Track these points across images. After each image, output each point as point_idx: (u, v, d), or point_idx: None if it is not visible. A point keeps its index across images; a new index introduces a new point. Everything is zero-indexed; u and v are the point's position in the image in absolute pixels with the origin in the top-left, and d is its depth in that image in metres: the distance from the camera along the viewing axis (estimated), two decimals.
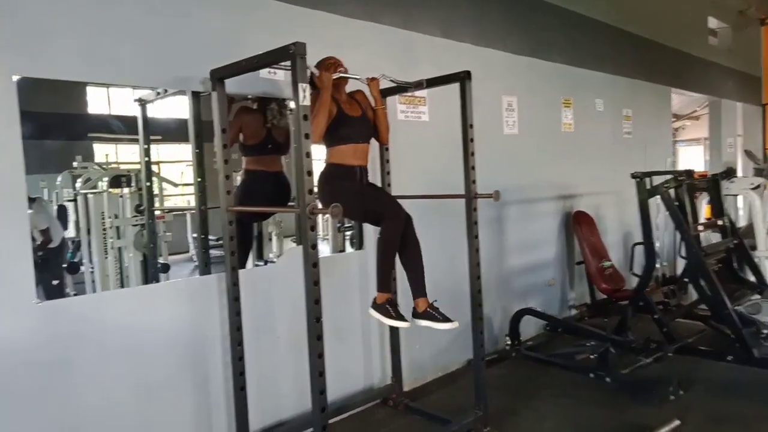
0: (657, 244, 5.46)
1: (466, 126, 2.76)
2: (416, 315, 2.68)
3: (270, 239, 4.66)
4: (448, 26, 3.81)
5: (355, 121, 2.73)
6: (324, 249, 4.91)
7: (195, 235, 6.32)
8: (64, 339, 2.20)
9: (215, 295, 2.63)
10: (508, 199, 4.18)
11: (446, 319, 2.68)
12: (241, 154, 3.21)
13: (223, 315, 2.61)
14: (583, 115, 5.09)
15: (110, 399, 2.32)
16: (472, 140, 2.77)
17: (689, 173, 3.99)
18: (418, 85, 2.93)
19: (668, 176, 3.94)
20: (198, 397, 2.60)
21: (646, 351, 3.46)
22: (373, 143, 2.92)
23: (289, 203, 3.23)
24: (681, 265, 5.14)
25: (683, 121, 13.33)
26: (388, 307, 2.67)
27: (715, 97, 7.84)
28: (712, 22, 7.58)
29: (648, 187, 4.00)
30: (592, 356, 3.57)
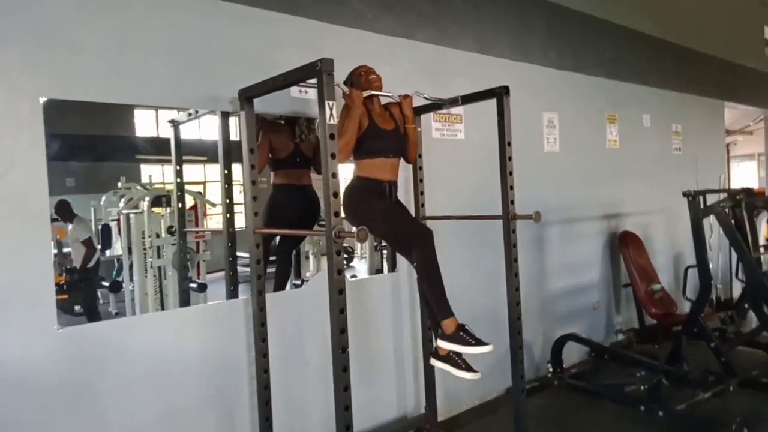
0: (711, 266, 5.14)
1: (504, 144, 2.62)
2: (444, 337, 2.49)
3: (307, 257, 4.60)
4: (484, 41, 3.69)
5: (388, 134, 2.62)
6: (361, 268, 4.81)
7: (237, 253, 6.35)
8: (87, 365, 2.15)
9: (242, 319, 2.55)
10: (549, 219, 3.99)
11: (479, 342, 2.48)
12: (270, 169, 3.16)
13: (249, 340, 2.52)
14: (629, 131, 4.86)
15: (134, 427, 2.26)
16: (510, 158, 2.63)
17: (747, 191, 3.72)
18: (453, 101, 2.82)
19: (723, 194, 3.69)
20: (223, 426, 2.51)
21: (704, 384, 3.18)
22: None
23: (319, 220, 3.16)
24: (737, 288, 4.82)
25: (735, 136, 12.74)
26: (462, 334, 2.47)
27: None
28: None
29: (702, 206, 3.74)
30: (642, 388, 3.32)
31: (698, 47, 5.72)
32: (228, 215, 2.65)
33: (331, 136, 1.95)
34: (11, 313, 2.00)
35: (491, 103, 2.68)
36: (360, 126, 2.49)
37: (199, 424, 2.45)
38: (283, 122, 3.07)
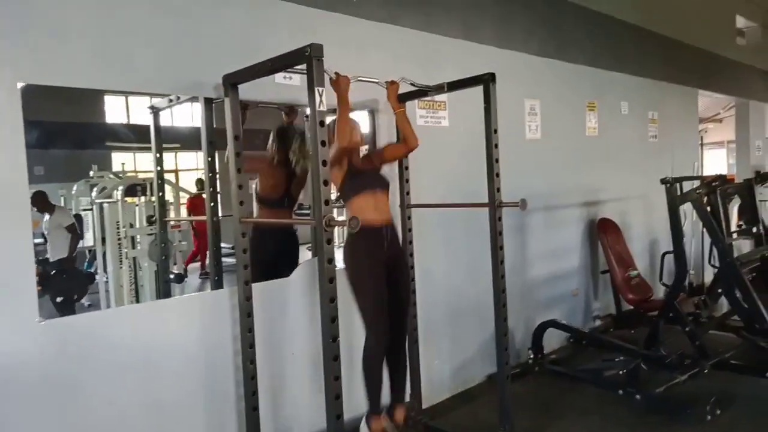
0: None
1: (491, 131, 2.62)
2: (367, 422, 2.63)
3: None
4: (469, 28, 3.68)
5: (369, 172, 2.69)
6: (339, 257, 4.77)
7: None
8: (69, 357, 2.09)
9: (227, 310, 2.52)
10: (530, 206, 4.00)
11: None
12: (255, 200, 3.15)
13: (235, 331, 2.49)
14: (608, 118, 4.92)
15: (119, 418, 2.22)
16: (496, 146, 2.64)
17: (722, 178, 3.80)
18: (439, 88, 2.81)
19: (698, 182, 3.77)
20: (210, 416, 2.48)
21: (681, 367, 3.27)
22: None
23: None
24: (710, 274, 4.94)
25: (706, 124, 13.03)
26: None
27: (743, 99, 7.58)
28: (740, 21, 7.34)
29: (678, 192, 3.82)
30: (621, 372, 3.39)
31: (675, 35, 5.80)
32: (212, 204, 2.59)
33: (321, 123, 1.92)
34: None
35: (475, 91, 2.68)
36: (341, 167, 2.57)
37: (186, 414, 2.42)
38: (276, 159, 3.10)
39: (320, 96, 1.93)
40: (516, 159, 3.79)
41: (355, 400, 2.75)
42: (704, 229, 4.10)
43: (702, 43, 6.27)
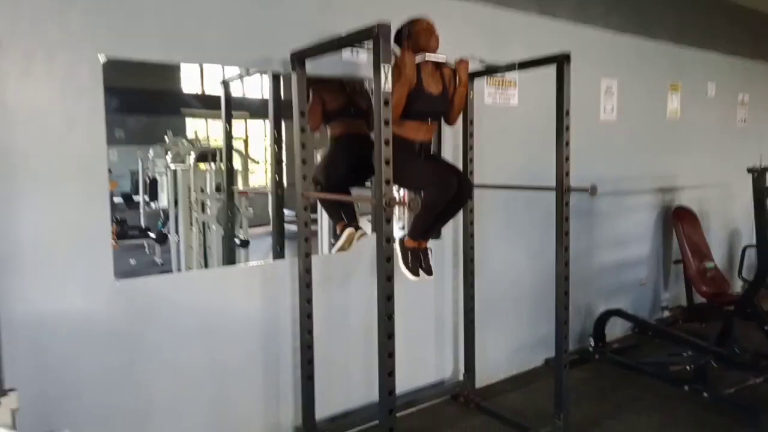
0: None
1: (562, 113, 2.52)
2: (401, 242, 2.59)
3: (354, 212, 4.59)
4: (544, 2, 3.51)
5: (433, 99, 2.52)
6: (397, 233, 4.78)
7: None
8: (140, 316, 2.23)
9: (288, 280, 2.59)
10: (600, 190, 3.84)
11: (413, 269, 2.60)
12: (324, 123, 2.96)
13: (294, 301, 2.56)
14: (691, 100, 4.60)
15: (181, 379, 2.35)
16: (567, 128, 2.53)
17: None
18: (510, 67, 2.72)
19: None
20: (267, 382, 2.59)
21: (755, 368, 3.08)
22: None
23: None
24: None
25: None
26: (409, 253, 2.59)
27: None
28: None
29: (767, 183, 3.54)
30: (688, 368, 3.24)
31: None
32: (276, 176, 2.65)
33: (386, 102, 1.91)
34: (74, 266, 2.07)
35: (547, 69, 2.58)
36: (409, 86, 2.41)
37: (245, 377, 2.53)
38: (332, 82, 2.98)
39: (386, 74, 1.91)
40: (588, 140, 3.64)
41: (401, 375, 2.78)
42: None
43: None
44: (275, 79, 2.58)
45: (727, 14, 4.91)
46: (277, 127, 2.64)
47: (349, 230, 2.83)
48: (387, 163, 1.93)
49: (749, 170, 3.56)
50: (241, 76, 2.79)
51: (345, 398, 2.84)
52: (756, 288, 3.60)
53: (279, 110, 2.64)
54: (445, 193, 2.45)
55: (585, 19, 3.72)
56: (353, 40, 2.05)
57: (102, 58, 2.08)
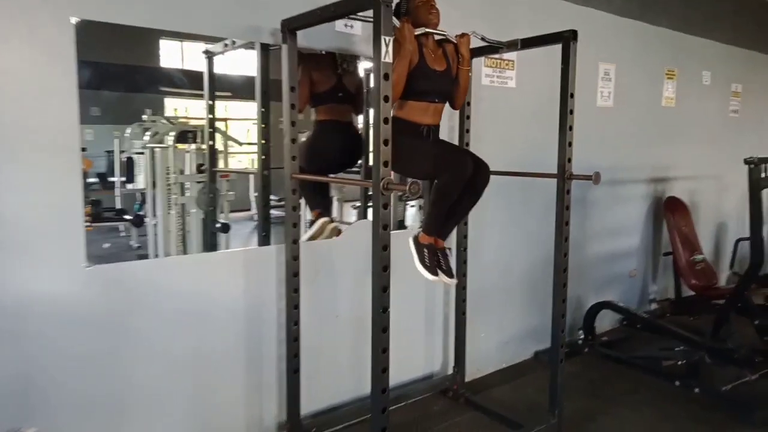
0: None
1: (567, 95, 2.39)
2: (415, 240, 2.39)
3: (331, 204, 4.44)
4: None
5: (437, 75, 2.35)
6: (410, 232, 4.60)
7: (257, 194, 6.23)
8: (115, 303, 2.07)
9: (273, 267, 2.44)
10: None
11: (431, 267, 2.35)
12: (310, 106, 2.90)
13: (280, 290, 2.42)
14: (686, 88, 4.52)
15: (160, 368, 2.20)
16: (572, 112, 2.41)
17: None
18: (512, 45, 2.57)
19: None
20: (250, 374, 2.45)
21: (750, 364, 3.03)
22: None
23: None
24: None
25: None
26: (425, 250, 2.36)
27: None
28: None
29: (763, 175, 3.47)
30: (680, 363, 3.19)
31: None
32: (264, 157, 2.48)
33: (386, 77, 1.75)
34: (41, 249, 1.90)
35: (547, 50, 2.46)
36: (409, 63, 2.25)
37: (227, 369, 2.39)
38: (323, 53, 2.80)
39: (387, 46, 1.75)
40: (584, 127, 3.49)
41: (393, 368, 2.65)
42: None
43: None
44: (264, 51, 2.39)
45: (734, 2, 4.81)
46: (264, 105, 2.46)
47: (323, 220, 2.72)
48: (386, 143, 1.78)
49: (746, 161, 3.48)
50: (226, 47, 2.58)
51: (332, 393, 2.72)
52: (749, 282, 3.55)
53: (267, 85, 2.46)
54: (460, 176, 2.23)
55: (587, 1, 3.58)
56: (351, 8, 1.90)
57: (73, 20, 1.88)
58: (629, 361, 3.45)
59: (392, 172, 1.86)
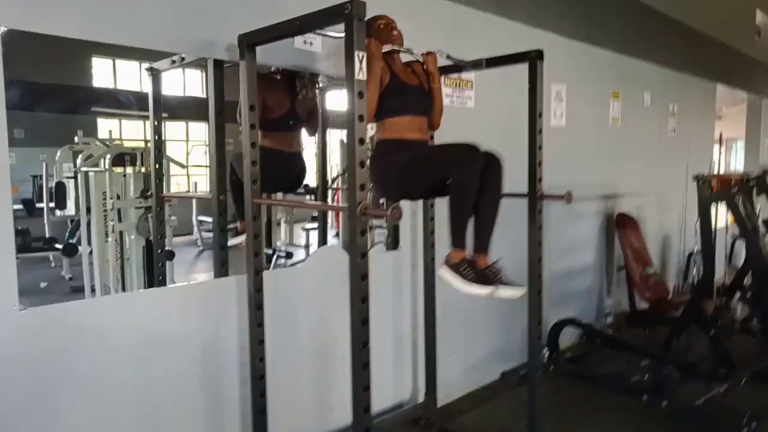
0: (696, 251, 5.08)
1: (535, 115, 2.36)
2: (448, 264, 2.16)
3: (279, 225, 4.23)
4: (501, 2, 3.38)
5: (412, 89, 2.28)
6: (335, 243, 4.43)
7: (200, 218, 5.90)
8: (54, 352, 1.82)
9: (233, 300, 2.25)
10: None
11: (482, 280, 2.06)
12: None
13: (241, 324, 2.23)
14: (630, 109, 4.67)
15: (108, 421, 1.95)
16: (540, 131, 2.38)
17: (760, 177, 3.59)
18: (477, 64, 2.53)
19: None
20: (209, 417, 2.23)
21: (717, 377, 3.07)
22: None
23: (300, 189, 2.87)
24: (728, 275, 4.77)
25: None
26: (462, 266, 2.09)
27: (755, 95, 7.38)
28: (759, 17, 7.11)
29: (708, 190, 3.60)
30: (645, 378, 3.20)
31: (699, 27, 5.55)
32: (219, 181, 2.30)
33: (359, 95, 1.64)
34: None
35: (503, 70, 2.45)
36: (381, 82, 2.16)
37: (184, 410, 2.16)
38: (279, 77, 2.67)
39: (360, 62, 1.64)
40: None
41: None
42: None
43: (723, 36, 6.03)
44: (217, 68, 2.23)
45: (665, 27, 5.06)
46: (220, 126, 2.29)
47: None
48: (362, 165, 1.66)
49: (695, 178, 3.61)
50: (173, 64, 2.40)
51: (298, 429, 2.52)
52: (702, 294, 3.65)
53: (221, 105, 2.30)
54: (472, 165, 2.02)
55: (539, 23, 3.63)
56: (318, 20, 1.77)
57: (1, 28, 1.67)
58: (596, 379, 3.44)
59: (368, 195, 1.74)
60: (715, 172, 5.69)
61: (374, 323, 2.75)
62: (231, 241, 2.41)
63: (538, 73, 2.33)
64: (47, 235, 6.50)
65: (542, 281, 3.72)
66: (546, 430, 2.80)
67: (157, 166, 2.74)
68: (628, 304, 4.46)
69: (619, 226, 4.43)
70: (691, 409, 2.89)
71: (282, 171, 2.69)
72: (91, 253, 5.12)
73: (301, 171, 2.86)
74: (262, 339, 2.16)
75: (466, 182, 2.04)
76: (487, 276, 2.07)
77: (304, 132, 2.85)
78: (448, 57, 2.42)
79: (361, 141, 1.65)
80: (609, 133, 4.48)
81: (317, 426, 2.59)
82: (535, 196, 2.37)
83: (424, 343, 2.91)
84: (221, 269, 2.33)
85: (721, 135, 6.71)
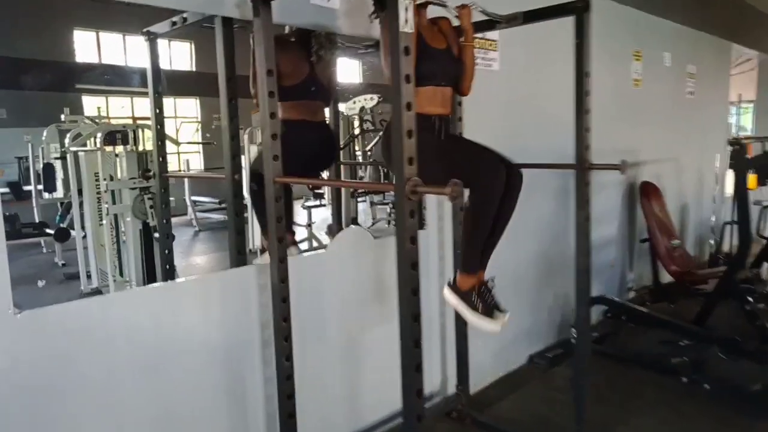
0: (714, 220, 4.91)
1: (582, 74, 2.12)
2: (453, 288, 2.04)
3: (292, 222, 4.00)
4: None
5: (440, 54, 2.02)
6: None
7: (194, 198, 5.60)
8: (57, 358, 1.58)
9: (254, 292, 2.01)
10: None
11: (489, 313, 1.98)
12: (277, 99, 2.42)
13: (264, 318, 2.00)
14: (651, 70, 4.41)
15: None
16: (588, 93, 2.14)
17: None
18: (513, 19, 2.26)
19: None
20: (234, 424, 2.01)
21: (762, 356, 2.90)
22: None
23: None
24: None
25: None
26: (474, 295, 1.98)
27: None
28: None
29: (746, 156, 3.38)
30: (685, 359, 3.03)
31: None
32: (233, 158, 2.04)
33: (406, 50, 1.38)
34: None
35: (526, 29, 2.23)
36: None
37: (203, 424, 1.94)
38: (293, 39, 2.37)
39: (406, 11, 1.38)
40: (561, 113, 3.29)
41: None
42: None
43: None
44: (227, 26, 1.95)
45: None
46: (232, 97, 2.02)
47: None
48: (409, 134, 1.41)
49: (730, 143, 3.39)
50: (174, 26, 2.11)
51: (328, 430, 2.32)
52: (737, 266, 3.46)
53: (233, 72, 2.02)
54: (495, 190, 1.89)
55: None
56: None
57: None
58: (633, 360, 3.26)
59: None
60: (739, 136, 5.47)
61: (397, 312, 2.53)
62: (257, 261, 2.15)
63: (585, 27, 2.08)
64: (37, 220, 6.19)
65: (563, 256, 3.59)
66: (587, 416, 2.63)
67: (159, 143, 2.46)
68: (650, 279, 4.27)
69: (644, 196, 4.21)
70: (737, 390, 2.72)
71: (311, 143, 2.33)
72: (84, 237, 4.86)
73: (331, 143, 2.56)
74: (289, 335, 1.92)
75: (486, 210, 1.92)
76: (488, 303, 1.99)
77: None
78: (483, 11, 2.16)
79: (409, 106, 1.40)
80: (630, 96, 4.24)
81: (348, 424, 2.40)
82: (583, 167, 2.13)
83: (455, 329, 2.69)
84: (238, 257, 2.07)
85: (740, 96, 6.47)
